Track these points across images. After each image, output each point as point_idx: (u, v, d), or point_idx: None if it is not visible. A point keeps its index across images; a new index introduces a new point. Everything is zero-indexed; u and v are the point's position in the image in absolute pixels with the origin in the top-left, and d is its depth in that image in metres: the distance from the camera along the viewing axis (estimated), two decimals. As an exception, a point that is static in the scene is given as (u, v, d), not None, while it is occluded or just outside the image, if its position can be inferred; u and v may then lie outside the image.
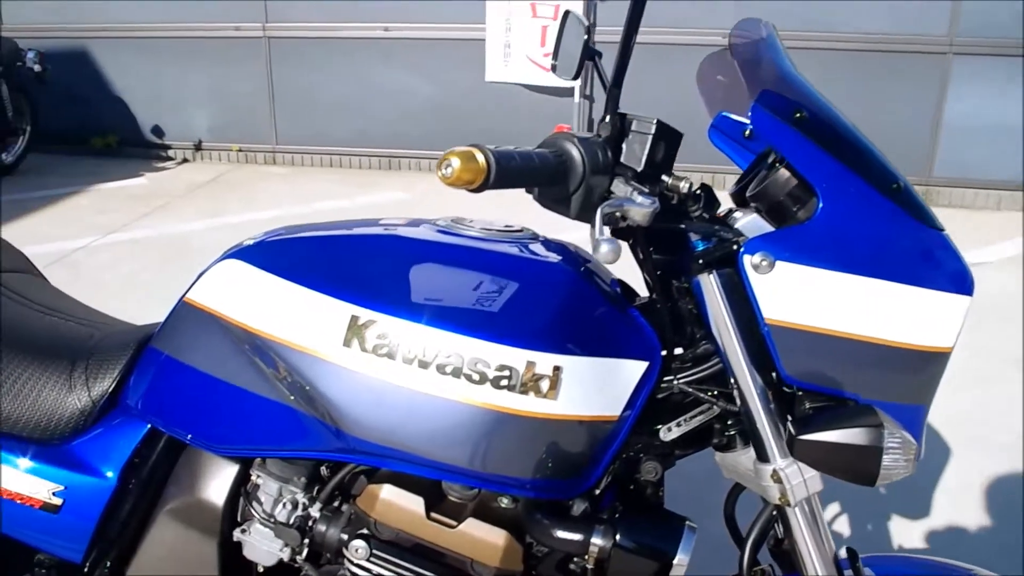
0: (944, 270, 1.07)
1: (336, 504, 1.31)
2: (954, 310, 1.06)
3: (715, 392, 1.19)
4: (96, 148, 7.06)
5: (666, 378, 1.20)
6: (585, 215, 1.09)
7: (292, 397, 1.19)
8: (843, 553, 1.23)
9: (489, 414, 1.12)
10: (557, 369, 1.12)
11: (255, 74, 6.85)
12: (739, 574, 1.35)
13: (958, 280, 1.07)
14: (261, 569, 1.35)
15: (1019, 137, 5.82)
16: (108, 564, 1.36)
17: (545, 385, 1.12)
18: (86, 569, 1.38)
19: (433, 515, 1.20)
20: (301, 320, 1.19)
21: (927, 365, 1.08)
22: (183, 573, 1.34)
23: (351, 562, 1.23)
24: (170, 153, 7.20)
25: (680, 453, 1.27)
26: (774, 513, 1.22)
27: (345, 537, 1.26)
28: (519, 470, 1.14)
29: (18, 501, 1.37)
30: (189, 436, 1.30)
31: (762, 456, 1.13)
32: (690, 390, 1.20)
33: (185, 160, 7.17)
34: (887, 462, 1.04)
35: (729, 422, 1.22)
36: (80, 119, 7.07)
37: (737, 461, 1.20)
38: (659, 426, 1.22)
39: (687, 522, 1.17)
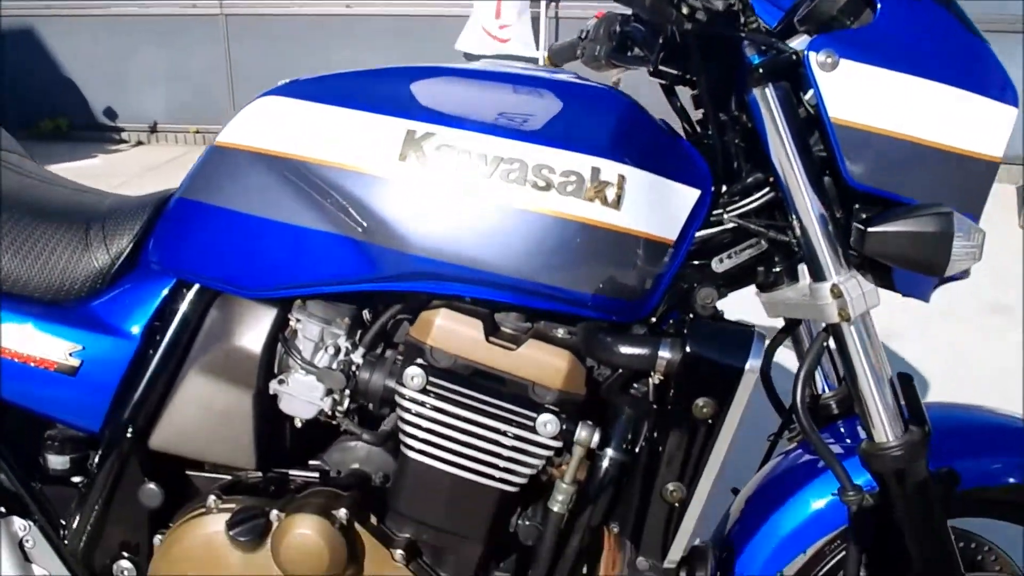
0: (993, 79, 1.10)
1: (379, 351, 1.25)
2: (1003, 119, 1.08)
3: (765, 224, 1.18)
4: (45, 131, 6.81)
5: (715, 211, 1.19)
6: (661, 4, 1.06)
7: (342, 223, 1.14)
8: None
9: (555, 222, 1.09)
10: (622, 178, 1.09)
11: (212, 53, 6.70)
12: (782, 426, 1.34)
13: (1006, 90, 1.09)
14: (299, 424, 1.28)
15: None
16: (130, 431, 1.27)
17: (611, 194, 1.09)
18: (105, 439, 1.29)
19: (492, 339, 1.14)
20: (351, 140, 1.13)
21: (979, 172, 1.10)
22: (214, 433, 1.26)
23: (403, 397, 1.16)
24: (124, 136, 6.99)
25: (731, 288, 1.25)
26: (825, 344, 1.20)
27: (391, 384, 1.20)
28: (583, 284, 1.11)
29: (31, 363, 1.28)
30: (224, 283, 1.23)
31: (819, 275, 1.12)
32: (740, 222, 1.18)
33: (140, 143, 6.97)
34: (956, 248, 1.04)
35: (776, 259, 1.21)
36: (27, 101, 6.83)
37: (785, 296, 1.19)
38: (710, 259, 1.21)
39: (755, 328, 1.13)
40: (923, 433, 1.20)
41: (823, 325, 1.23)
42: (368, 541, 1.20)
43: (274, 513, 1.20)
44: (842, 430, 1.37)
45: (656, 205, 1.12)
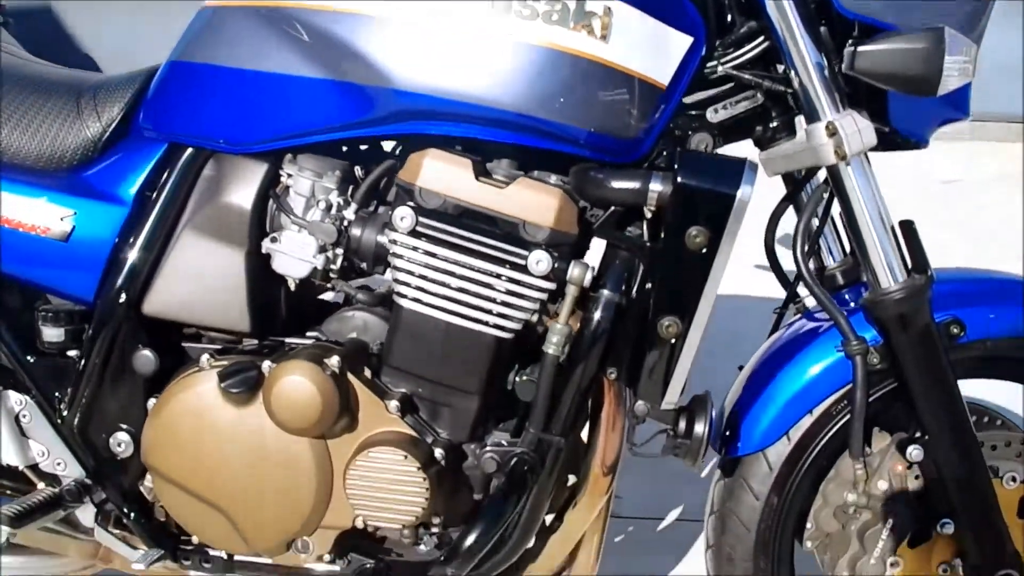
0: None
1: (371, 209, 1.24)
2: None
3: (759, 75, 1.17)
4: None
5: (710, 63, 1.18)
6: None
7: (331, 67, 1.13)
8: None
9: (543, 52, 1.09)
10: (608, 10, 1.08)
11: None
12: (787, 299, 1.32)
13: None
14: (292, 286, 1.27)
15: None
16: (123, 297, 1.26)
17: (597, 25, 1.08)
18: (98, 308, 1.28)
19: (482, 178, 1.13)
20: None
21: None
22: (207, 296, 1.25)
23: (394, 243, 1.15)
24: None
25: (727, 140, 1.24)
26: (824, 196, 1.20)
27: (382, 238, 1.19)
28: (576, 119, 1.10)
29: (23, 230, 1.28)
30: (214, 141, 1.22)
31: (814, 115, 1.12)
32: (734, 73, 1.18)
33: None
34: (948, 63, 1.03)
35: (773, 113, 1.21)
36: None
37: (783, 150, 1.19)
38: (705, 110, 1.20)
39: (747, 159, 1.11)
40: (926, 278, 1.18)
41: (822, 179, 1.22)
42: (362, 392, 1.19)
43: (266, 364, 1.19)
44: (847, 297, 1.35)
45: (646, 45, 1.10)
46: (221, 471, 1.22)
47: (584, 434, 1.26)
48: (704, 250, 1.09)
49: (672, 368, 1.14)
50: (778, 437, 1.28)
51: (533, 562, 1.33)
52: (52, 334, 1.32)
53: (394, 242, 1.15)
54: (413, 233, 1.14)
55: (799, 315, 1.40)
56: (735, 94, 1.21)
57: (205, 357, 1.23)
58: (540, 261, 1.12)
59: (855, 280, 1.36)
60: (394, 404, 1.19)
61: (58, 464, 1.34)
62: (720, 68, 1.18)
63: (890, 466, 1.24)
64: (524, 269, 1.13)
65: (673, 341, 1.13)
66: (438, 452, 1.19)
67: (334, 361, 1.17)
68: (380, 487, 1.16)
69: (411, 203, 1.14)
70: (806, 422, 1.28)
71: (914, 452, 1.22)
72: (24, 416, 1.33)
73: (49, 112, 1.30)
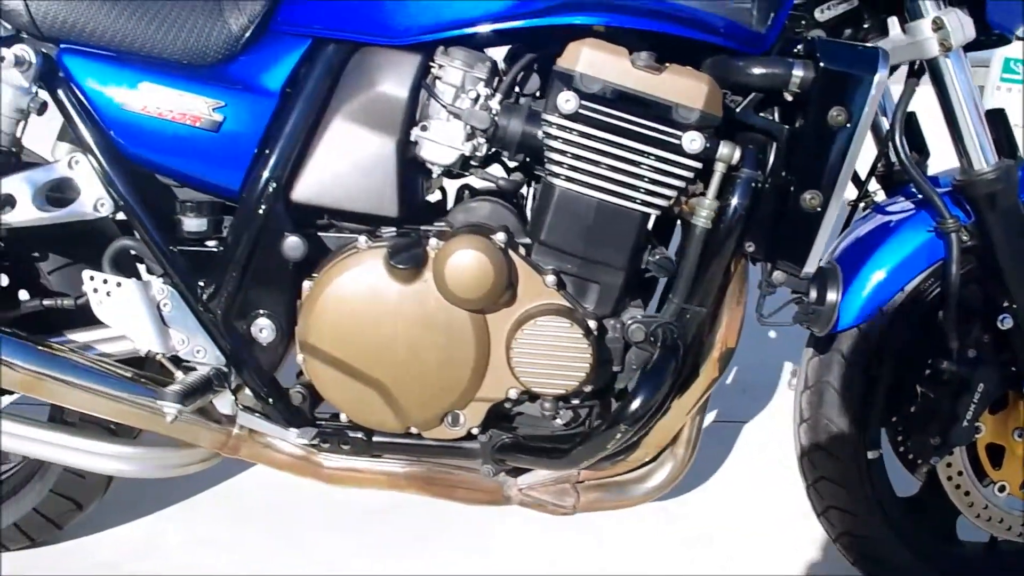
0: None
1: (513, 100, 1.32)
2: None
3: None
4: None
5: None
6: None
7: None
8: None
9: None
10: None
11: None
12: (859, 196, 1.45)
13: None
14: (435, 174, 1.34)
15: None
16: (272, 186, 1.30)
17: None
18: (244, 195, 1.33)
19: (637, 64, 1.22)
20: None
21: None
22: (358, 182, 1.31)
23: (551, 124, 1.22)
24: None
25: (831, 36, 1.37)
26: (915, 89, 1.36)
27: (529, 127, 1.27)
28: (718, 9, 1.21)
29: (176, 120, 1.31)
30: (369, 35, 1.28)
31: (916, 13, 1.28)
32: None
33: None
34: None
35: (866, 15, 1.36)
36: None
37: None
38: (812, 9, 1.34)
39: (880, 47, 1.24)
40: (1015, 161, 1.33)
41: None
42: (521, 267, 1.27)
43: (432, 241, 1.26)
44: (913, 190, 1.49)
45: None
46: (383, 347, 1.29)
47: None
48: (846, 126, 1.21)
49: (813, 238, 1.26)
50: (873, 312, 1.41)
51: (632, 452, 1.43)
52: (194, 224, 1.36)
53: (551, 124, 1.23)
54: (573, 116, 1.22)
55: (868, 209, 1.53)
56: None
57: (363, 239, 1.29)
58: (694, 140, 1.22)
59: (900, 182, 1.52)
60: (551, 279, 1.27)
61: (197, 351, 1.38)
62: None
63: (979, 335, 1.39)
64: (676, 149, 1.23)
65: (815, 212, 1.25)
66: (591, 323, 1.28)
67: (500, 237, 1.25)
68: (546, 355, 1.25)
69: (572, 88, 1.22)
70: (898, 299, 1.42)
71: (1005, 320, 1.37)
72: (165, 305, 1.36)
73: (193, 9, 1.33)
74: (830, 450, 1.48)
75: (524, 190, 1.43)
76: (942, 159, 1.46)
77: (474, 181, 1.42)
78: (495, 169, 1.40)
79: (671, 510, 1.83)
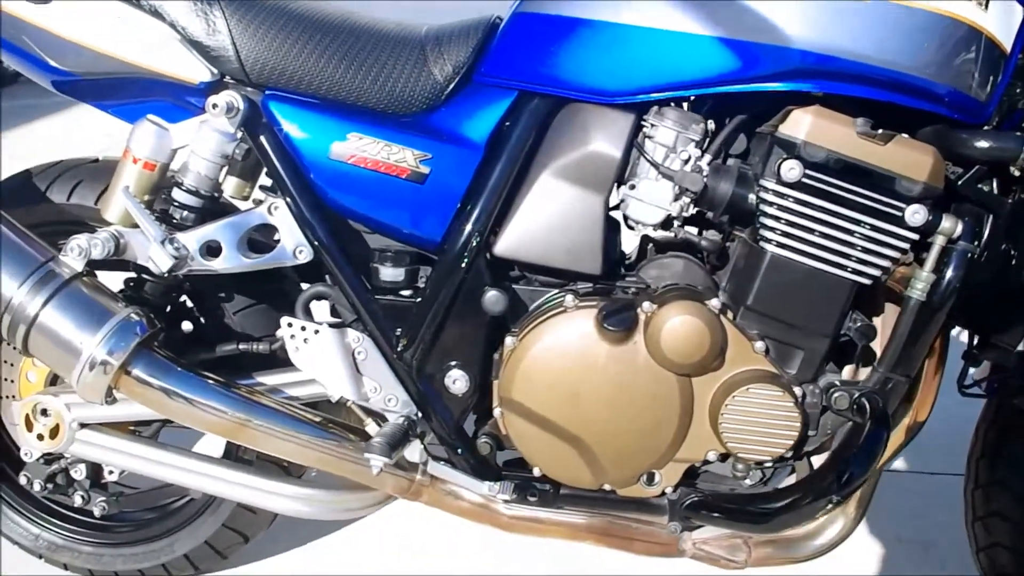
0: None
1: (721, 160, 1.31)
2: None
3: None
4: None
5: None
6: None
7: (713, 25, 1.19)
8: None
9: (931, 17, 1.18)
10: None
11: None
12: None
13: None
14: (640, 232, 1.33)
15: None
16: (476, 240, 1.30)
17: None
18: (446, 248, 1.33)
19: (862, 135, 1.21)
20: None
21: None
22: (562, 238, 1.31)
23: (768, 191, 1.22)
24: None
25: None
26: None
27: (741, 190, 1.26)
28: (943, 77, 1.19)
29: (382, 171, 1.32)
30: (581, 91, 1.27)
31: None
32: None
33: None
34: None
35: None
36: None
37: None
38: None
39: None
40: None
41: None
42: (732, 332, 1.26)
43: (646, 304, 1.25)
44: None
45: (1004, 13, 1.20)
46: (587, 406, 1.29)
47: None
48: None
49: None
50: None
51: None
52: (390, 274, 1.36)
53: (767, 191, 1.22)
54: (796, 184, 1.21)
55: None
56: None
57: (570, 298, 1.29)
58: (917, 213, 1.20)
59: None
60: (760, 344, 1.27)
61: (389, 400, 1.39)
62: None
63: None
64: (898, 220, 1.21)
65: None
66: (797, 390, 1.27)
67: (715, 303, 1.25)
68: (757, 421, 1.25)
69: (795, 156, 1.21)
70: None
71: None
72: (360, 353, 1.37)
73: (398, 59, 1.34)
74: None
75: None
76: None
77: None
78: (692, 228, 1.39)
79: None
